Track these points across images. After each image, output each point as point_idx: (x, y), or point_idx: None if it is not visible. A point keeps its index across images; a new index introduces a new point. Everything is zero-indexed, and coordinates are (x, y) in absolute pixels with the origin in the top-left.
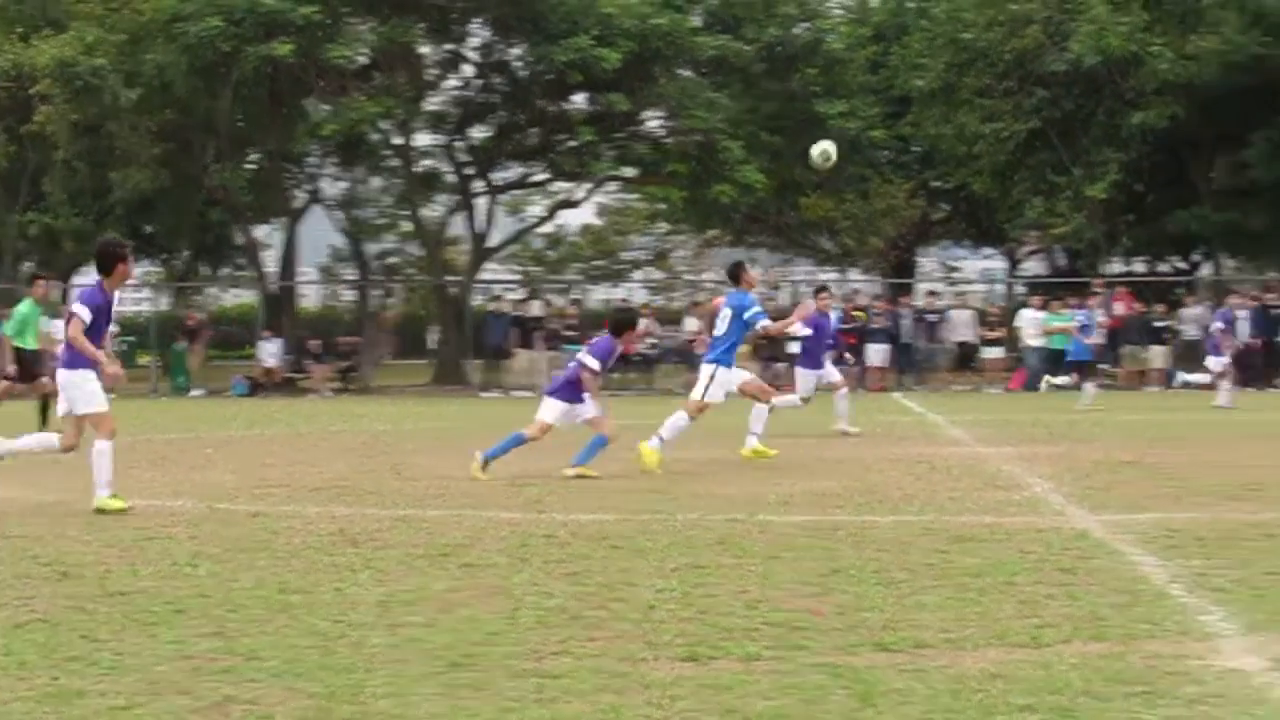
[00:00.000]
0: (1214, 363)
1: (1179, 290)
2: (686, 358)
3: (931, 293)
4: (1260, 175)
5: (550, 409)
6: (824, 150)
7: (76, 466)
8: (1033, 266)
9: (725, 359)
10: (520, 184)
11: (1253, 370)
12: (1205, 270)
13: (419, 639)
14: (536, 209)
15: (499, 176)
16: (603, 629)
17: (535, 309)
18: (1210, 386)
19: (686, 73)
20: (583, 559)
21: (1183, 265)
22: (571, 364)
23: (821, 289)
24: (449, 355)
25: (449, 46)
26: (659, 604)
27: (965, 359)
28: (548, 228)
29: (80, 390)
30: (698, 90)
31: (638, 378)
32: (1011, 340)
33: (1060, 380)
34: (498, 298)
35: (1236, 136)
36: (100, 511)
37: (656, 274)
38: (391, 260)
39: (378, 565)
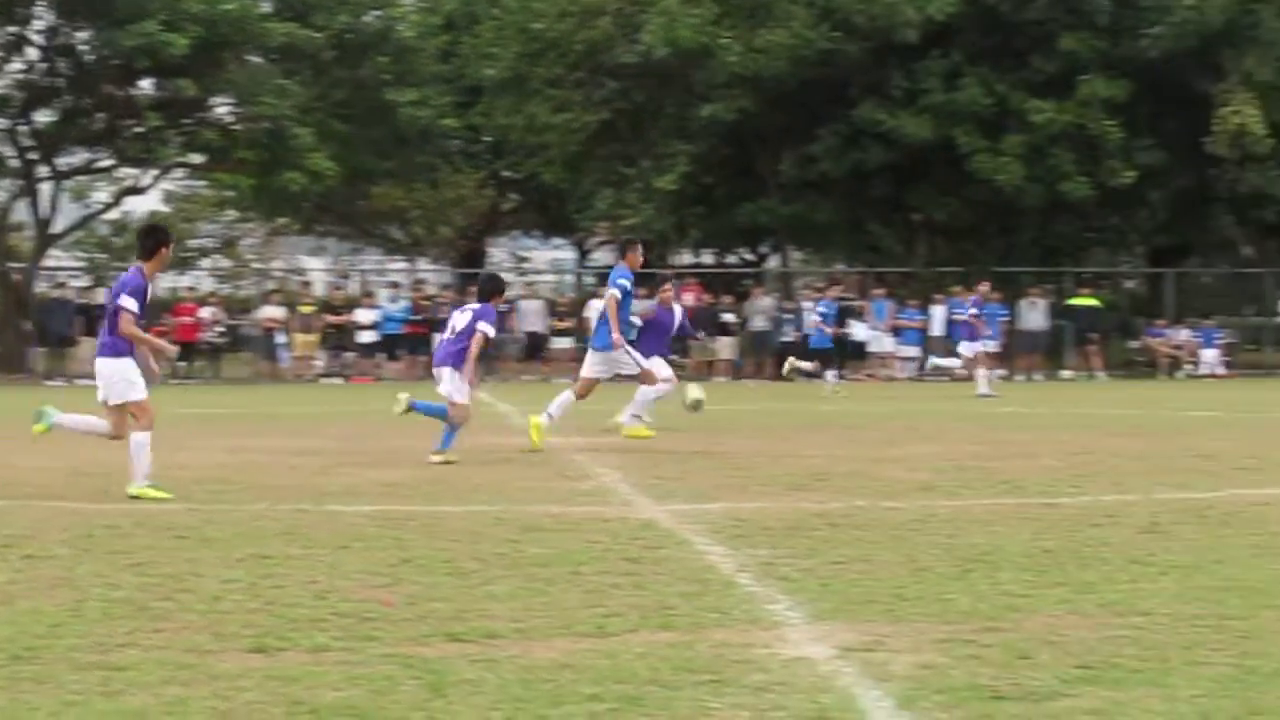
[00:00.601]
0: (966, 348)
1: (747, 281)
2: (261, 346)
3: None
4: (828, 168)
5: (451, 383)
6: (696, 398)
7: None
8: (603, 257)
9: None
10: (86, 169)
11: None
12: (773, 262)
13: None
14: (102, 195)
15: (64, 162)
16: (169, 620)
17: (100, 297)
18: (968, 377)
19: (256, 59)
20: (148, 550)
21: (751, 257)
22: (456, 337)
23: (665, 281)
24: (11, 343)
25: (12, 29)
26: (225, 595)
27: (535, 349)
28: (114, 214)
29: (124, 379)
30: (267, 77)
31: (204, 366)
32: (581, 331)
33: (805, 365)
34: (62, 285)
35: (804, 130)
36: (136, 499)
37: (225, 262)
38: None
39: None
